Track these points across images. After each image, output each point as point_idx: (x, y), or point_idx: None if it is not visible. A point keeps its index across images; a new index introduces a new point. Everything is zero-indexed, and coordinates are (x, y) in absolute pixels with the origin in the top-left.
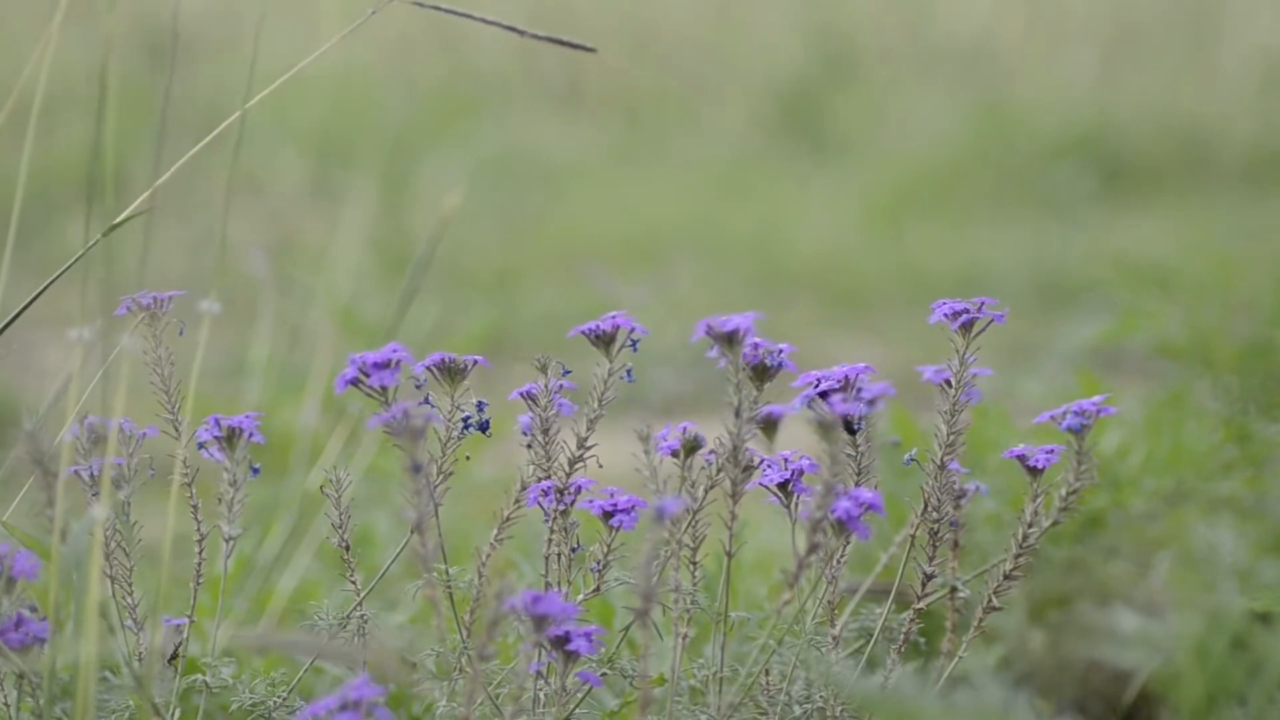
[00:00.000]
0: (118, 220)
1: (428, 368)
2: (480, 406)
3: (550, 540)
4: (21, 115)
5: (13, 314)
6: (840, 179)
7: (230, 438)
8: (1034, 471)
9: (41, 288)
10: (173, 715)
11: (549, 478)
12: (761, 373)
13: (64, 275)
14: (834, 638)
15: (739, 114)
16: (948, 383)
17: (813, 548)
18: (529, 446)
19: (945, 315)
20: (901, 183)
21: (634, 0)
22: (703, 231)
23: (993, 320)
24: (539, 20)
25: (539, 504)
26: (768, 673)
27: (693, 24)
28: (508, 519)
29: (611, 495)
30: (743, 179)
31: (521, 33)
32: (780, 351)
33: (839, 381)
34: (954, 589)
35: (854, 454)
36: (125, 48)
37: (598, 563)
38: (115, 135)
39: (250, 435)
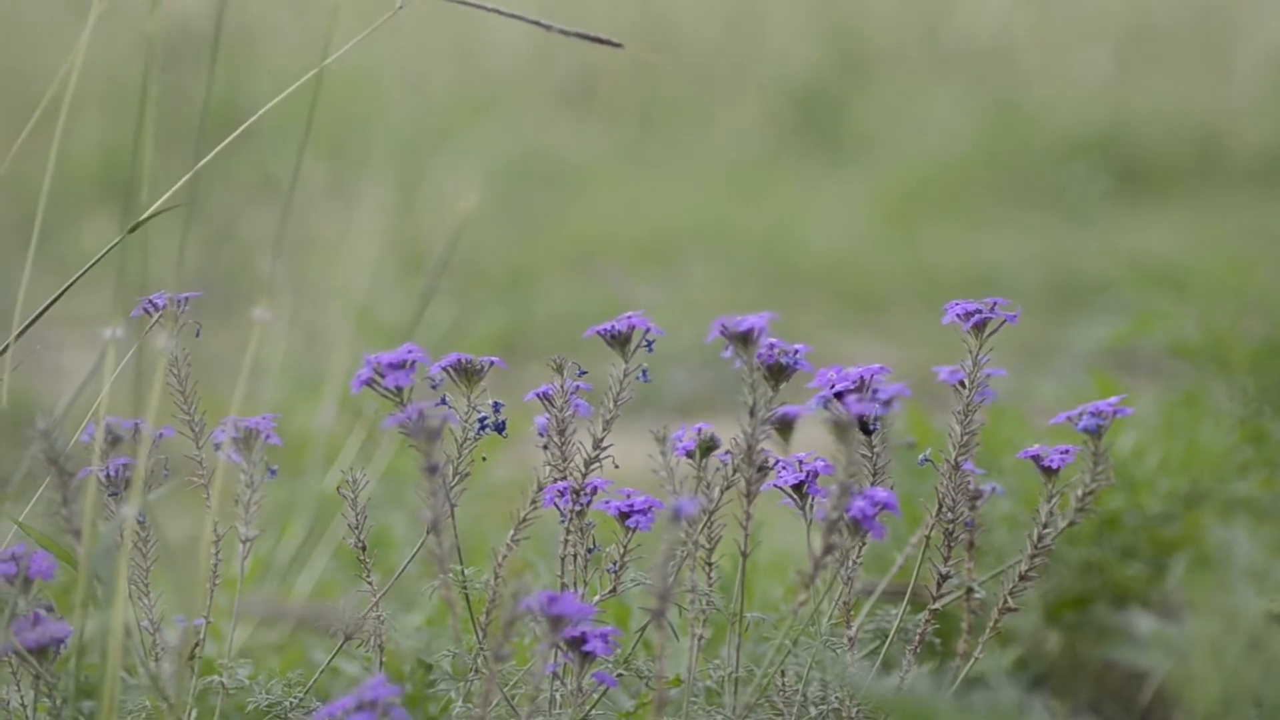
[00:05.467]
0: (139, 220)
1: (444, 368)
2: (496, 407)
3: (566, 541)
4: (41, 117)
5: (34, 314)
6: (854, 179)
7: (247, 439)
8: (1049, 472)
9: (64, 287)
10: (189, 715)
11: (565, 478)
12: (777, 373)
13: (80, 276)
14: (849, 639)
15: (752, 114)
16: (962, 383)
17: (828, 548)
18: (545, 447)
19: (958, 316)
20: (915, 183)
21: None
22: (716, 232)
23: (1005, 320)
24: (551, 19)
25: (555, 505)
26: (783, 673)
27: (707, 24)
28: (524, 520)
29: (628, 496)
30: (756, 179)
31: (548, 27)
32: (796, 352)
33: (854, 382)
34: (969, 590)
35: (869, 454)
36: (143, 48)
37: (614, 563)
38: (134, 136)
39: (267, 437)
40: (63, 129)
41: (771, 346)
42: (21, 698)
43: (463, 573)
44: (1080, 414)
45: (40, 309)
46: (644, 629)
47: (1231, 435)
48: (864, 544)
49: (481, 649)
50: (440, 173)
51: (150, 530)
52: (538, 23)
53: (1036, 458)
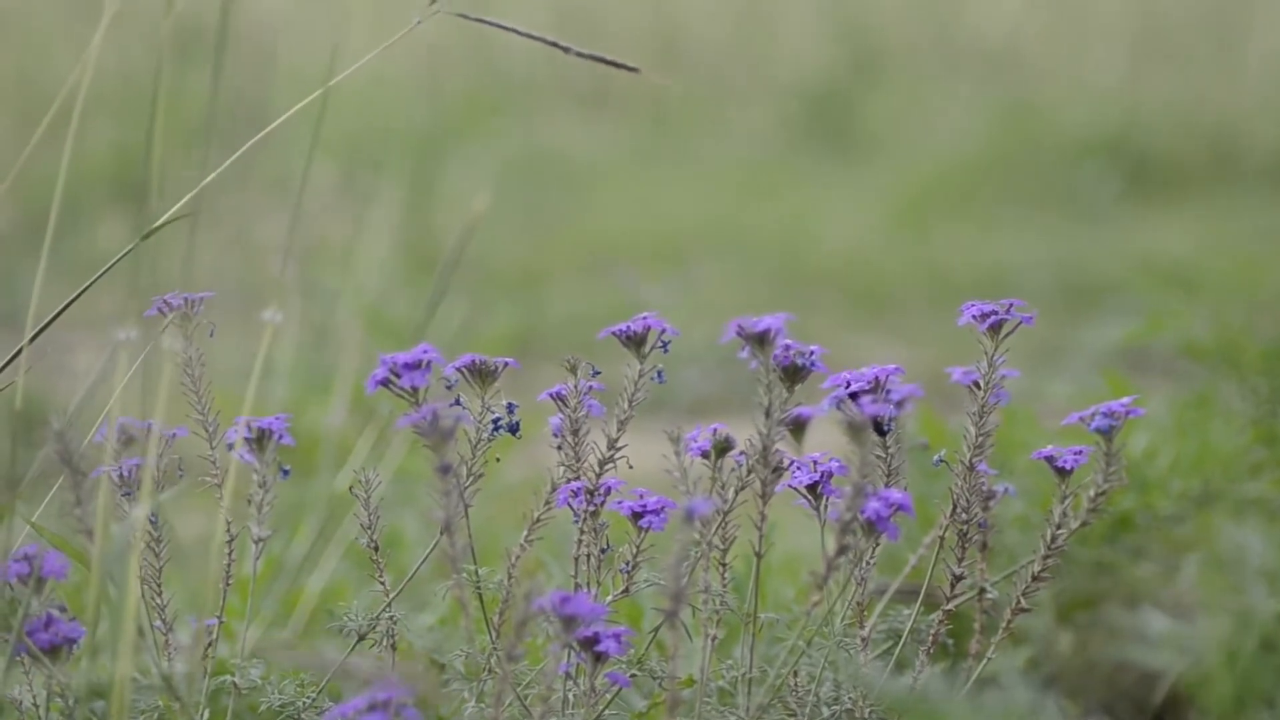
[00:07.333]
0: (158, 223)
1: (459, 369)
2: (510, 408)
3: (580, 541)
4: (52, 119)
5: (49, 317)
6: (865, 179)
7: (260, 439)
8: (1062, 473)
9: (81, 289)
10: (202, 716)
11: (578, 479)
12: (793, 374)
13: (97, 278)
14: (862, 639)
15: (765, 114)
16: (976, 384)
17: (842, 549)
18: (559, 448)
19: (974, 317)
20: (927, 183)
21: (660, 0)
22: (728, 232)
23: (1022, 322)
24: (565, 21)
25: (568, 505)
26: (796, 674)
27: (719, 24)
28: (537, 520)
29: (641, 496)
30: (768, 179)
31: (566, 49)
32: (812, 353)
33: (869, 383)
34: (982, 590)
35: (884, 455)
36: (155, 49)
37: (627, 564)
38: (149, 138)
39: (280, 437)
40: (76, 131)
41: (787, 348)
42: (34, 698)
43: (476, 573)
44: (1092, 415)
45: (55, 311)
46: (657, 629)
47: (1243, 436)
48: (878, 545)
49: (494, 649)
50: (453, 173)
51: (163, 530)
52: (555, 44)
53: (1050, 459)
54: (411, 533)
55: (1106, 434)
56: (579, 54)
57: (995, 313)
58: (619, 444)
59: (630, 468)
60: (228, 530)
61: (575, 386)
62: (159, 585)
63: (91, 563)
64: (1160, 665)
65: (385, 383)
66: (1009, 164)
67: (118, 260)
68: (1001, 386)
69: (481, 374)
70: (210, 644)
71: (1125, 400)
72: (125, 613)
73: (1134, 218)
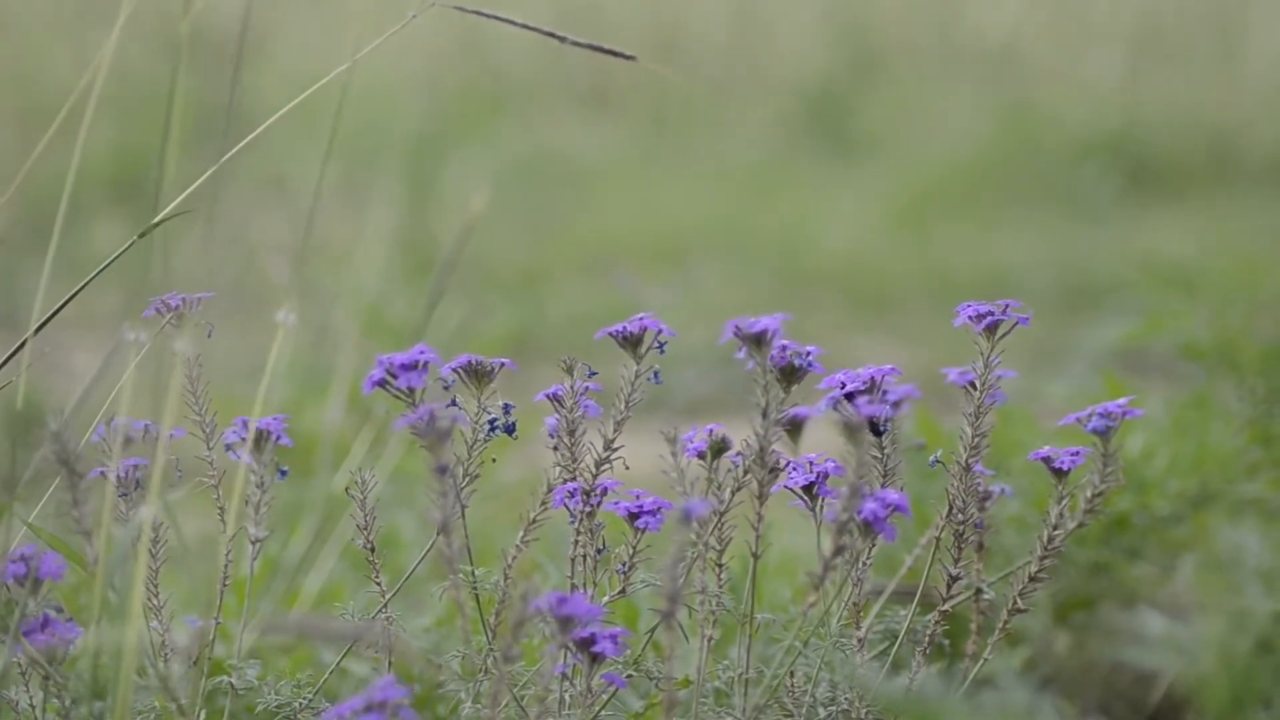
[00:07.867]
0: (155, 221)
1: (455, 370)
2: (506, 409)
3: (576, 542)
4: (49, 117)
5: (48, 314)
6: (866, 179)
7: (258, 440)
8: (1059, 474)
9: (79, 287)
10: (198, 716)
11: (575, 479)
12: (790, 375)
13: (95, 275)
14: (859, 640)
15: (764, 115)
16: (972, 385)
17: (838, 550)
18: (555, 448)
19: (970, 318)
20: (927, 183)
21: (659, 1)
22: (728, 233)
23: (1018, 323)
24: (566, 21)
25: (565, 505)
26: (793, 675)
27: (718, 25)
28: (534, 521)
29: (637, 497)
30: (768, 180)
31: (562, 39)
32: (809, 354)
33: (865, 383)
34: (979, 591)
35: (880, 456)
36: (154, 50)
37: (623, 564)
38: (146, 137)
39: (278, 438)
40: (74, 130)
41: (784, 348)
42: (30, 699)
43: (472, 574)
44: (1089, 415)
45: (54, 309)
46: (653, 630)
47: (1240, 436)
48: (874, 545)
49: (491, 650)
50: (452, 173)
51: (161, 531)
52: (551, 34)
53: (1047, 459)
54: (408, 533)
55: (1103, 435)
56: (574, 43)
57: (991, 313)
58: (615, 445)
59: (627, 468)
60: (224, 530)
61: (571, 387)
62: (155, 586)
63: (88, 563)
64: (1157, 666)
65: (382, 384)
66: (1009, 164)
67: (115, 258)
68: (998, 387)
69: (478, 375)
70: (209, 644)
71: (1122, 401)
72: (128, 617)
73: (1134, 218)
